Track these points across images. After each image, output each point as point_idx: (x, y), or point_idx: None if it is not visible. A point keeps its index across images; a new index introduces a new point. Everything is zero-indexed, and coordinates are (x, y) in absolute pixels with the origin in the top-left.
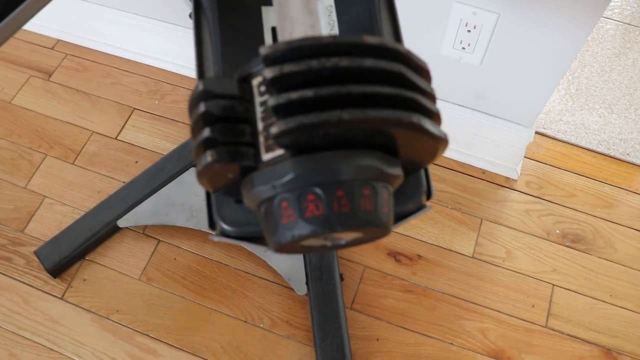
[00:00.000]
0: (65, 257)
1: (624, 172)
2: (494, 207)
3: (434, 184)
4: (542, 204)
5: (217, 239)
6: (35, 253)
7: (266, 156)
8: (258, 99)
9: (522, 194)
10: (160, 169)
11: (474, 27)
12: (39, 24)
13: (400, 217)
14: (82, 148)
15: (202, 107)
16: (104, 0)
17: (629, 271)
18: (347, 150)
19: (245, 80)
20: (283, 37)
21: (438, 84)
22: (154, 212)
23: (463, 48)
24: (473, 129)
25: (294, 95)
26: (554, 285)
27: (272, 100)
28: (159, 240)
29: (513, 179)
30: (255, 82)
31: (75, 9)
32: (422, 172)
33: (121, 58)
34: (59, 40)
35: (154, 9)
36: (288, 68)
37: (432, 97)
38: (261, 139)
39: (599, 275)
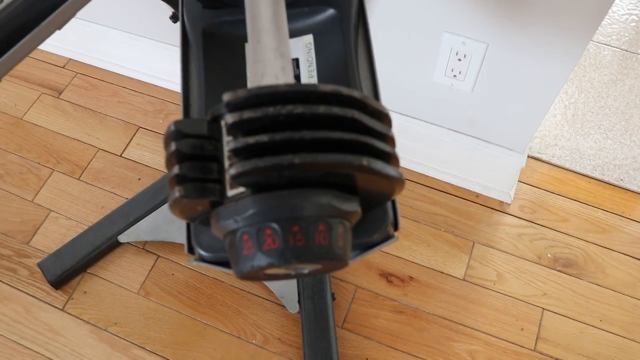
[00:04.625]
0: (67, 270)
1: (617, 197)
2: (486, 231)
3: (428, 207)
4: (534, 228)
5: (195, 263)
6: (39, 265)
7: (231, 192)
8: (226, 139)
9: (515, 218)
10: (162, 187)
11: (464, 56)
12: (52, 44)
13: (367, 247)
14: (88, 164)
15: (173, 146)
16: (114, 23)
17: (619, 297)
18: (304, 189)
19: (216, 120)
20: (255, 78)
21: (431, 110)
22: (154, 228)
23: (454, 76)
24: (467, 154)
25: (250, 140)
26: (544, 309)
27: (232, 144)
28: (158, 256)
29: (506, 203)
30: (224, 122)
31: (86, 30)
32: (390, 204)
33: (129, 78)
34: (70, 60)
35: (161, 32)
36: (247, 114)
37: (389, 140)
38: (227, 175)
39: (590, 300)
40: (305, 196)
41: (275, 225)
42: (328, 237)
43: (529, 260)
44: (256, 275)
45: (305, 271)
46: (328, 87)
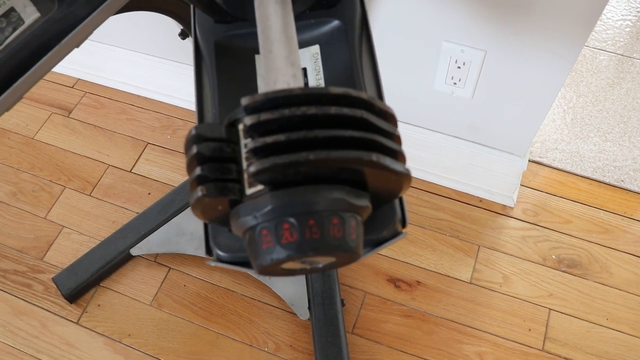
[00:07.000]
0: (81, 284)
1: (619, 198)
2: (491, 234)
3: (433, 212)
4: (538, 231)
5: (213, 263)
6: (53, 280)
7: (249, 191)
8: (243, 141)
9: (518, 221)
10: (172, 200)
11: (464, 64)
12: (61, 65)
13: (377, 243)
14: (99, 180)
15: (194, 149)
16: (120, 42)
17: (625, 295)
18: (318, 185)
19: (233, 125)
20: (267, 85)
21: (433, 117)
22: (165, 241)
23: (454, 83)
24: (469, 159)
25: (269, 139)
26: (550, 309)
27: (251, 144)
28: (170, 268)
29: (510, 207)
30: (241, 126)
31: (94, 50)
32: (397, 202)
33: (136, 95)
34: (78, 79)
35: (167, 50)
36: (264, 116)
37: (396, 138)
38: (245, 175)
39: (595, 300)
40: (319, 192)
41: (292, 220)
42: (342, 229)
43: (534, 262)
44: (274, 270)
45: (320, 265)
46: (338, 90)
